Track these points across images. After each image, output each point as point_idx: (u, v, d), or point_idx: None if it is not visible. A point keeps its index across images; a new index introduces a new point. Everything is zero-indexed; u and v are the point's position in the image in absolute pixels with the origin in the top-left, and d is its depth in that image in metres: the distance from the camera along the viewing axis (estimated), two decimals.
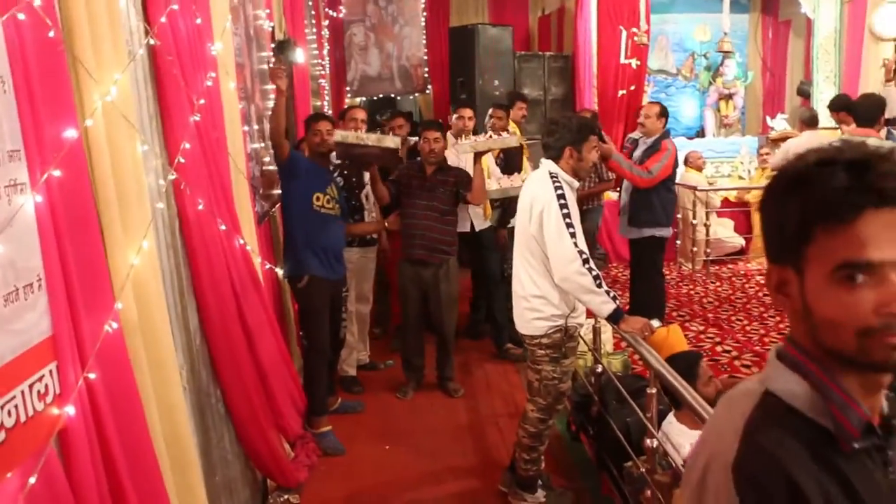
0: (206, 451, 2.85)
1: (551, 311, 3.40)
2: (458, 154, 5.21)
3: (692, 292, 7.33)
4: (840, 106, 6.29)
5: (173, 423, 2.30)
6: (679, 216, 7.82)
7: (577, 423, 4.31)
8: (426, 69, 10.59)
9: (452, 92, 9.29)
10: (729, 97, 10.14)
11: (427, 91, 10.80)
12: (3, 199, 1.45)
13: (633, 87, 9.28)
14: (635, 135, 6.26)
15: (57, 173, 1.62)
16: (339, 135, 4.45)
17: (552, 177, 3.33)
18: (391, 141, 4.61)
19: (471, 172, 4.98)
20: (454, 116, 5.99)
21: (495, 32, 9.07)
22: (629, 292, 6.04)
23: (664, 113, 5.71)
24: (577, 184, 3.43)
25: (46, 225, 1.59)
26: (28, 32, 1.57)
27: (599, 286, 3.20)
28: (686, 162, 8.06)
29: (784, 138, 8.06)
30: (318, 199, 4.37)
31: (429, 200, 4.91)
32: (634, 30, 8.77)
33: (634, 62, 9.21)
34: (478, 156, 4.84)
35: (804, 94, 9.13)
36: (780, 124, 9.19)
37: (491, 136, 5.01)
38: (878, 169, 0.94)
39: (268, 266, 4.06)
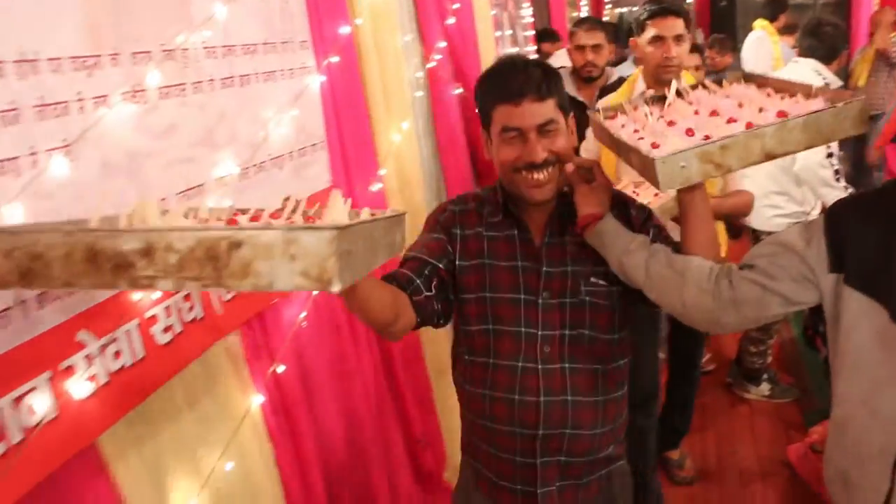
0: None
1: (793, 207, 3.42)
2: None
3: None
4: None
5: None
6: None
7: (812, 328, 4.28)
8: None
9: (712, 1, 8.96)
10: None
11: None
12: (297, 76, 1.93)
13: None
14: None
15: (335, 59, 2.08)
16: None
17: (817, 74, 3.36)
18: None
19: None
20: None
21: None
22: None
23: None
24: (839, 82, 3.43)
25: (327, 99, 2.07)
26: None
27: (839, 181, 3.18)
28: None
29: None
30: None
31: (552, 322, 1.60)
32: None
33: None
34: None
35: None
36: None
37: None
38: None
39: None
